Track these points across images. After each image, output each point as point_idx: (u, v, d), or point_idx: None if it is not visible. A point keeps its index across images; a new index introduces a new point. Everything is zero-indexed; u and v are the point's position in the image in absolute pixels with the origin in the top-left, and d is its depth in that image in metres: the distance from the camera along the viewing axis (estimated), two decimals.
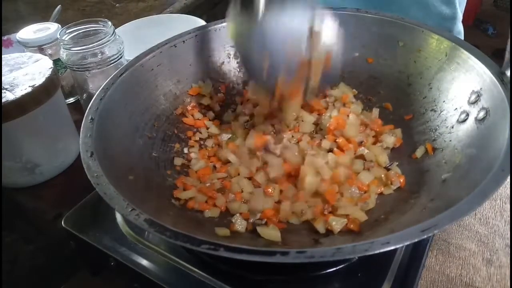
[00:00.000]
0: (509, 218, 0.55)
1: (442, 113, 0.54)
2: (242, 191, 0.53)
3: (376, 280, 0.44)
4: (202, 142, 0.62)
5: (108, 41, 0.68)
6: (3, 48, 0.88)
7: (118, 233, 0.52)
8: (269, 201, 0.51)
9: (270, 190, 0.52)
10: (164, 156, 0.57)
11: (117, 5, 1.34)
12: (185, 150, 0.59)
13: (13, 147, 0.60)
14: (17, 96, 0.56)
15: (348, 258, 0.45)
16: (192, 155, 0.59)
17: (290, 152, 0.56)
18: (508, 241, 0.52)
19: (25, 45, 0.77)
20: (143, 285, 0.49)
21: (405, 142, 0.57)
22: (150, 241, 0.50)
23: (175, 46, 0.62)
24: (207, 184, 0.54)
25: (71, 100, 0.85)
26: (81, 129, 0.47)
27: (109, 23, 0.70)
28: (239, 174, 0.55)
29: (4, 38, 0.89)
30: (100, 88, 0.52)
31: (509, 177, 0.37)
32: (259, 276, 0.46)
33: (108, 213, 0.54)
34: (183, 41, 0.62)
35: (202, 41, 0.64)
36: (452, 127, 0.51)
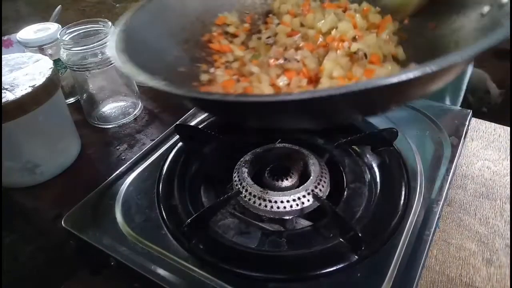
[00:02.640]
0: (509, 218, 0.55)
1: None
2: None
3: (376, 280, 0.44)
4: (228, 64, 0.62)
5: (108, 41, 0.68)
6: (3, 48, 0.88)
7: (118, 233, 0.51)
8: None
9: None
10: (191, 73, 0.57)
11: (117, 5, 1.34)
12: (211, 70, 0.60)
13: (13, 147, 0.60)
14: (17, 96, 0.56)
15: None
16: (218, 72, 0.59)
17: (309, 57, 0.56)
18: (508, 241, 0.52)
19: (25, 45, 0.77)
20: (143, 285, 0.49)
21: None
22: (150, 241, 0.50)
23: None
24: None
25: (71, 100, 0.85)
26: (109, 36, 0.47)
27: (109, 23, 0.70)
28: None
29: (4, 38, 0.89)
30: (127, 12, 0.53)
31: None
32: (259, 275, 0.46)
33: (108, 213, 0.54)
34: None
35: None
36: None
